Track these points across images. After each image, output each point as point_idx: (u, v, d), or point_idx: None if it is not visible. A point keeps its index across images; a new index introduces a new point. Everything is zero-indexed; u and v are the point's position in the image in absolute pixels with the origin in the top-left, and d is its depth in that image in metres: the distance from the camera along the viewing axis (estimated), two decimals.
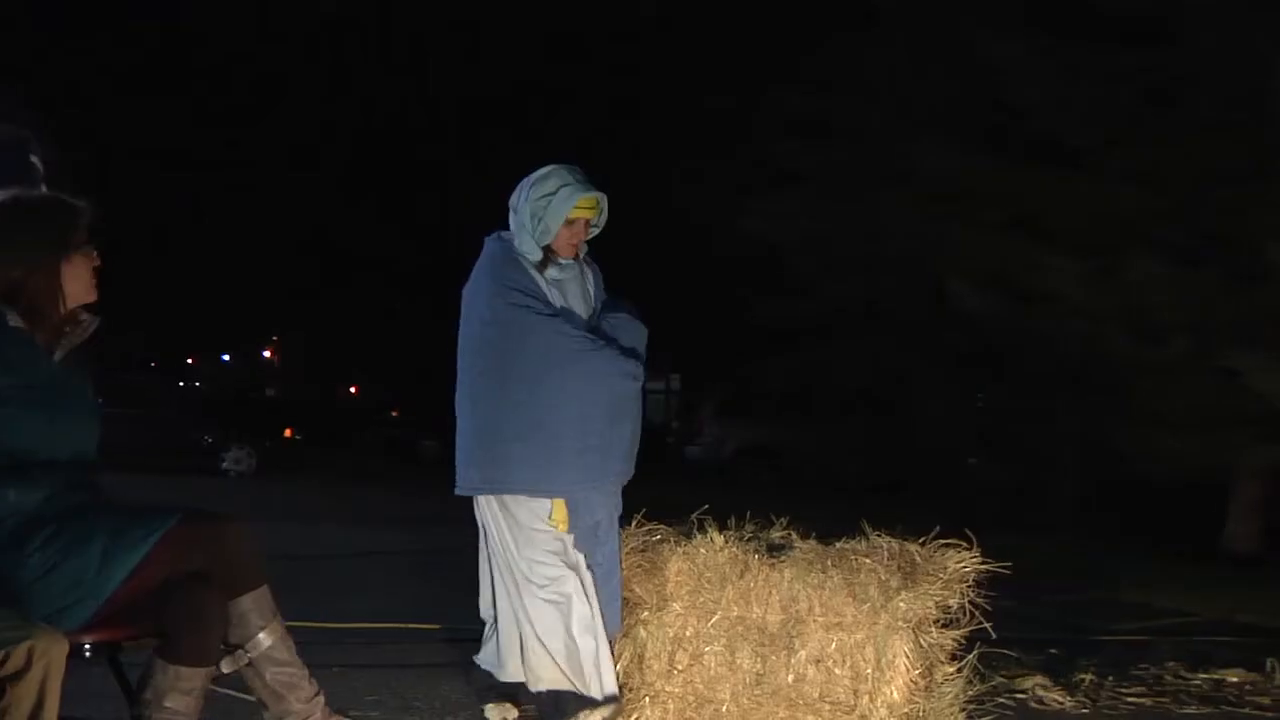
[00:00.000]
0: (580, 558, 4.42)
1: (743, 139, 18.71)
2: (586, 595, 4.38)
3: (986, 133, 15.20)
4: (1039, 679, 6.01)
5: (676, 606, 4.62)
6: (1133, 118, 13.38)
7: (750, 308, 19.20)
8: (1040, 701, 5.77)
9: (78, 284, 3.46)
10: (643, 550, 4.74)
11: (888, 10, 16.14)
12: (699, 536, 4.71)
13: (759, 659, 4.52)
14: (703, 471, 23.62)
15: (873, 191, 16.56)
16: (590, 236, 4.52)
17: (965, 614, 4.43)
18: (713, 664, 4.57)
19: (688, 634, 4.60)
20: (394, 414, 29.93)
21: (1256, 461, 14.08)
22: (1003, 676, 5.73)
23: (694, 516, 4.84)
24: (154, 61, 28.74)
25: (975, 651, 4.54)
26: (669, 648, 4.61)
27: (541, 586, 4.37)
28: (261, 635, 3.59)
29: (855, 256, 17.10)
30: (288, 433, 30.21)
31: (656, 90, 26.14)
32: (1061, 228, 14.11)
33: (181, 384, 33.11)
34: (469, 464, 4.45)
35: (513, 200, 4.45)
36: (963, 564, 4.44)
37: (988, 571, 4.43)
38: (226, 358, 48.07)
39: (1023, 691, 5.85)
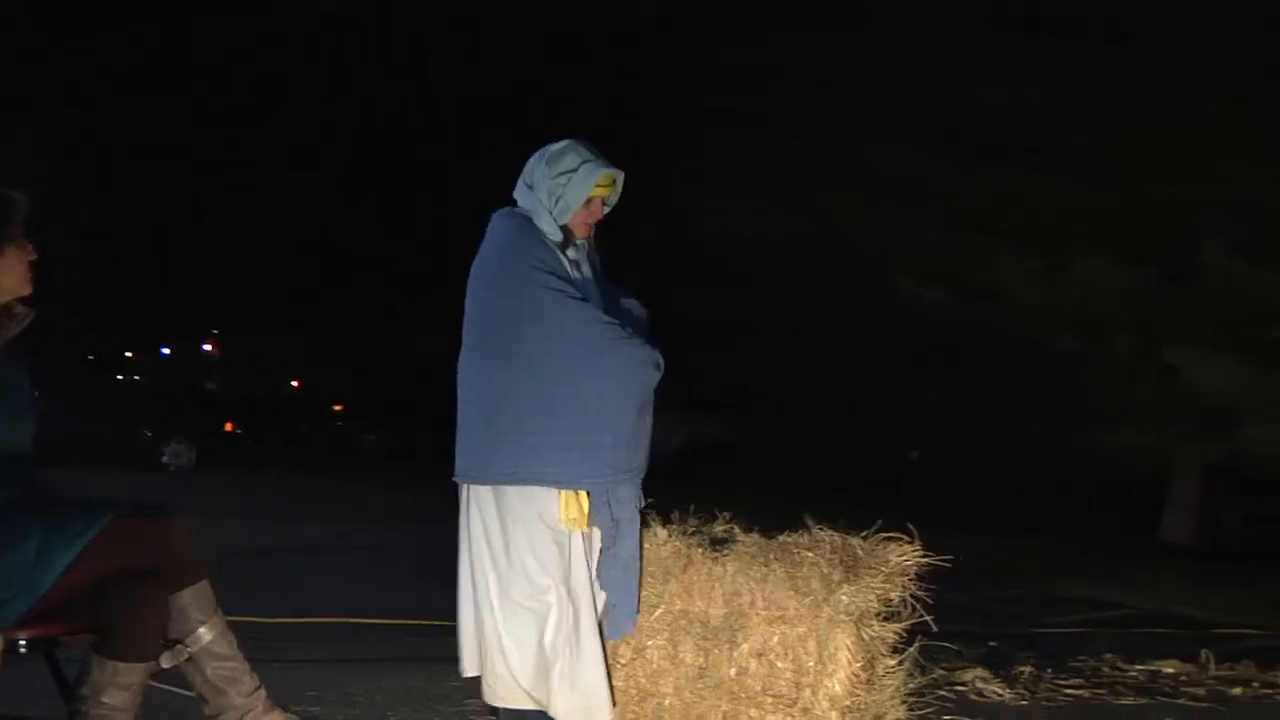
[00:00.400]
0: (577, 563, 4.20)
1: (693, 133, 18.79)
2: (574, 604, 4.18)
3: (936, 130, 15.32)
4: (979, 671, 6.06)
5: None
6: (1081, 118, 13.53)
7: (695, 302, 19.22)
8: (980, 694, 5.82)
9: (12, 277, 3.41)
10: None
11: (844, 8, 16.23)
12: (641, 530, 4.71)
13: (701, 652, 4.52)
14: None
15: (824, 187, 16.67)
16: (603, 215, 4.33)
17: (907, 607, 4.45)
18: (655, 658, 4.57)
19: None
20: (337, 408, 29.74)
21: (1194, 456, 14.28)
22: (943, 669, 5.77)
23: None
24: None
25: (916, 644, 4.57)
26: (612, 642, 4.60)
27: (523, 593, 4.15)
28: (202, 630, 3.57)
29: (805, 252, 17.16)
30: (228, 427, 29.93)
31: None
32: (1009, 226, 14.24)
33: (120, 378, 32.71)
34: (475, 452, 4.20)
35: (525, 176, 4.24)
36: (904, 557, 4.46)
37: (929, 565, 4.45)
38: (166, 352, 47.66)
39: (963, 684, 5.90)
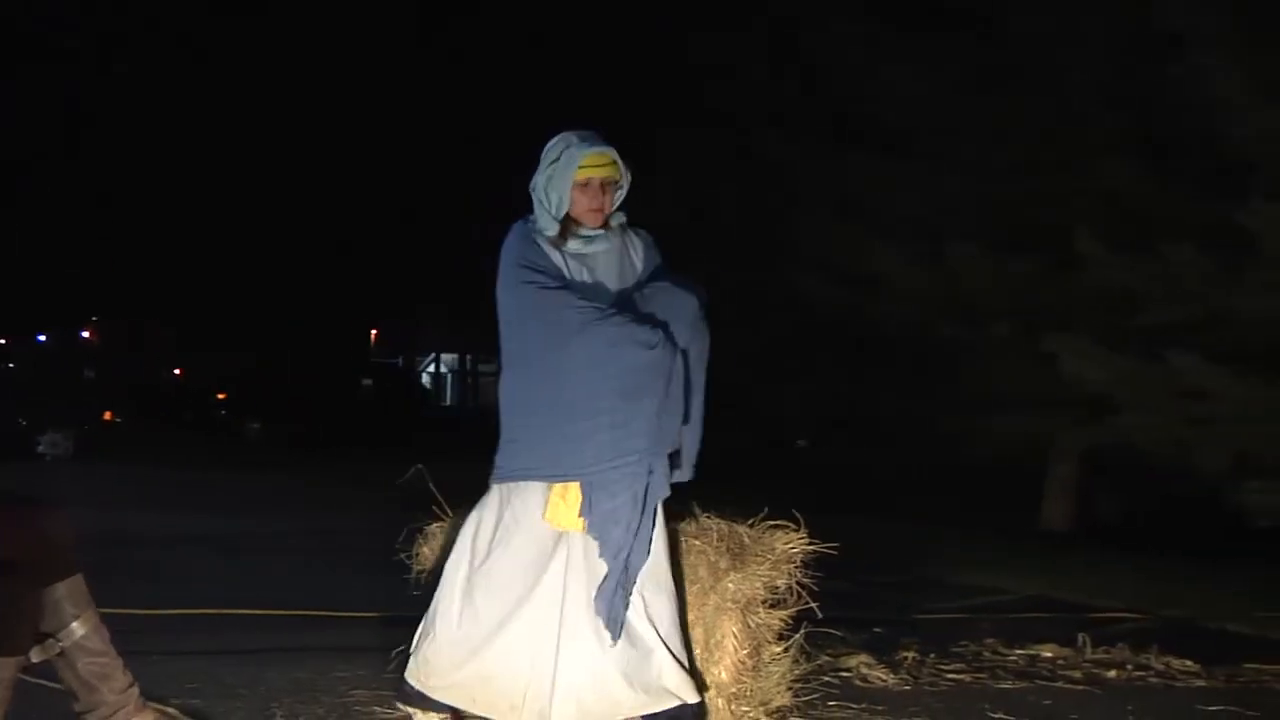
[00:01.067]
0: (553, 566, 4.11)
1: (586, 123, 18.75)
2: (560, 608, 4.08)
3: (816, 118, 15.45)
4: (863, 658, 6.13)
5: None
6: (954, 106, 13.72)
7: None
8: (864, 679, 5.88)
9: None
10: None
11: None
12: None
13: None
14: None
15: (710, 177, 16.72)
16: (618, 199, 4.26)
17: (793, 594, 4.48)
18: None
19: None
20: (220, 396, 29.27)
21: (1071, 443, 14.54)
22: (828, 655, 5.82)
23: None
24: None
25: (802, 631, 4.60)
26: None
27: (492, 581, 4.13)
28: (74, 624, 3.49)
29: (690, 240, 17.20)
30: (107, 416, 29.35)
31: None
32: (887, 214, 14.42)
33: None
34: (497, 453, 4.21)
35: (531, 182, 4.24)
36: (790, 545, 4.49)
37: (815, 552, 4.48)
38: (43, 339, 46.59)
39: (848, 670, 5.96)
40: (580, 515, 4.06)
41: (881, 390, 15.25)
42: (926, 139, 14.06)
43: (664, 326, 4.07)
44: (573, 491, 4.07)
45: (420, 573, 4.70)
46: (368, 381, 28.83)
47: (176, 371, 43.10)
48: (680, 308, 4.16)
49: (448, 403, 51.36)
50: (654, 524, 4.11)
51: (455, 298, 38.36)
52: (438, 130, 29.56)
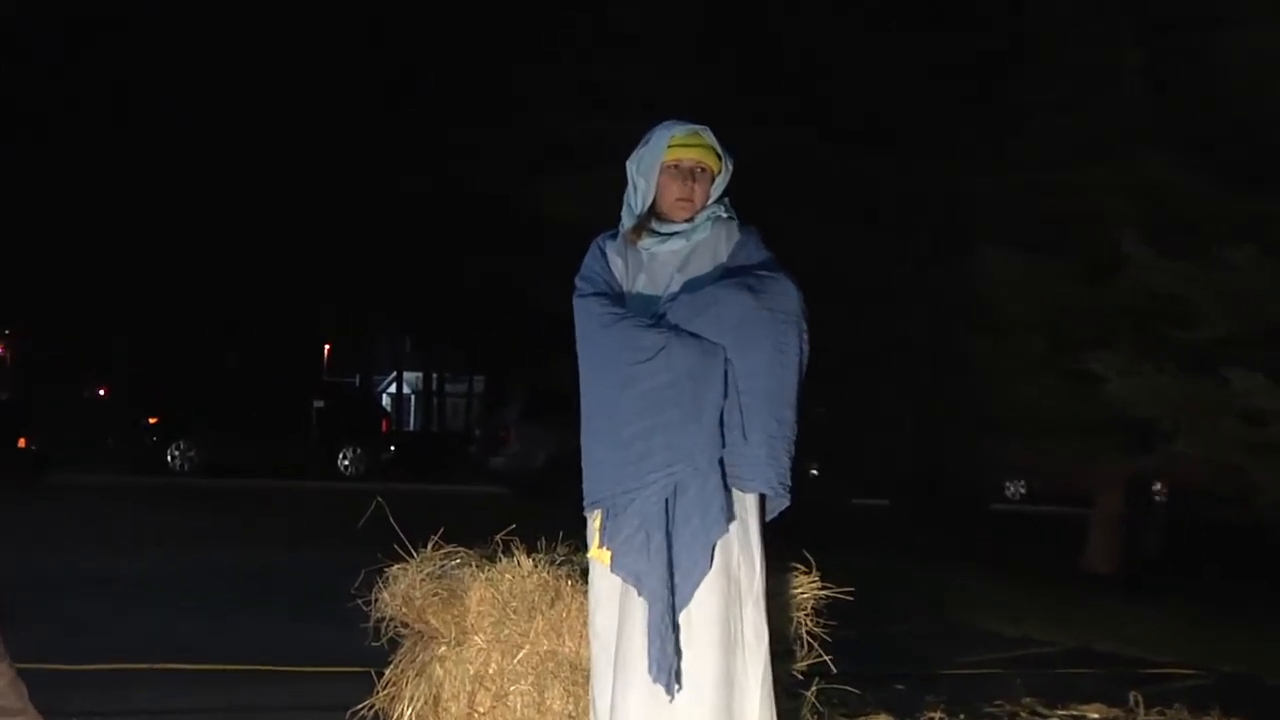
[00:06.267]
0: (600, 610, 4.05)
1: (521, 109, 18.90)
2: (597, 656, 4.05)
3: (806, 110, 15.45)
4: (884, 718, 6.11)
5: (478, 640, 4.57)
6: (963, 94, 13.73)
7: (533, 295, 19.22)
8: None
9: None
10: (439, 577, 4.68)
11: None
12: (504, 560, 4.67)
13: (571, 698, 4.50)
14: (510, 485, 23.59)
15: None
16: (716, 190, 4.17)
17: (804, 645, 4.47)
18: (519, 705, 4.54)
19: (490, 671, 4.56)
20: (151, 420, 29.16)
21: (1116, 473, 14.49)
22: (844, 715, 5.80)
23: (498, 537, 4.80)
24: None
25: (814, 687, 4.59)
26: (469, 687, 4.56)
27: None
28: None
29: None
30: (21, 442, 29.20)
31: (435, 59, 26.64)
32: (896, 211, 14.38)
33: None
34: None
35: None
36: (801, 590, 4.48)
37: (829, 597, 4.47)
38: None
39: None
40: (603, 545, 3.99)
41: (893, 415, 15.24)
42: (933, 131, 14.04)
43: (687, 330, 3.95)
44: (598, 521, 4.02)
45: (381, 621, 4.68)
46: (320, 403, 28.73)
47: (101, 392, 42.96)
48: (726, 309, 4.00)
49: (411, 426, 51.33)
50: (706, 562, 3.90)
51: (418, 309, 38.52)
52: (393, 133, 30.28)
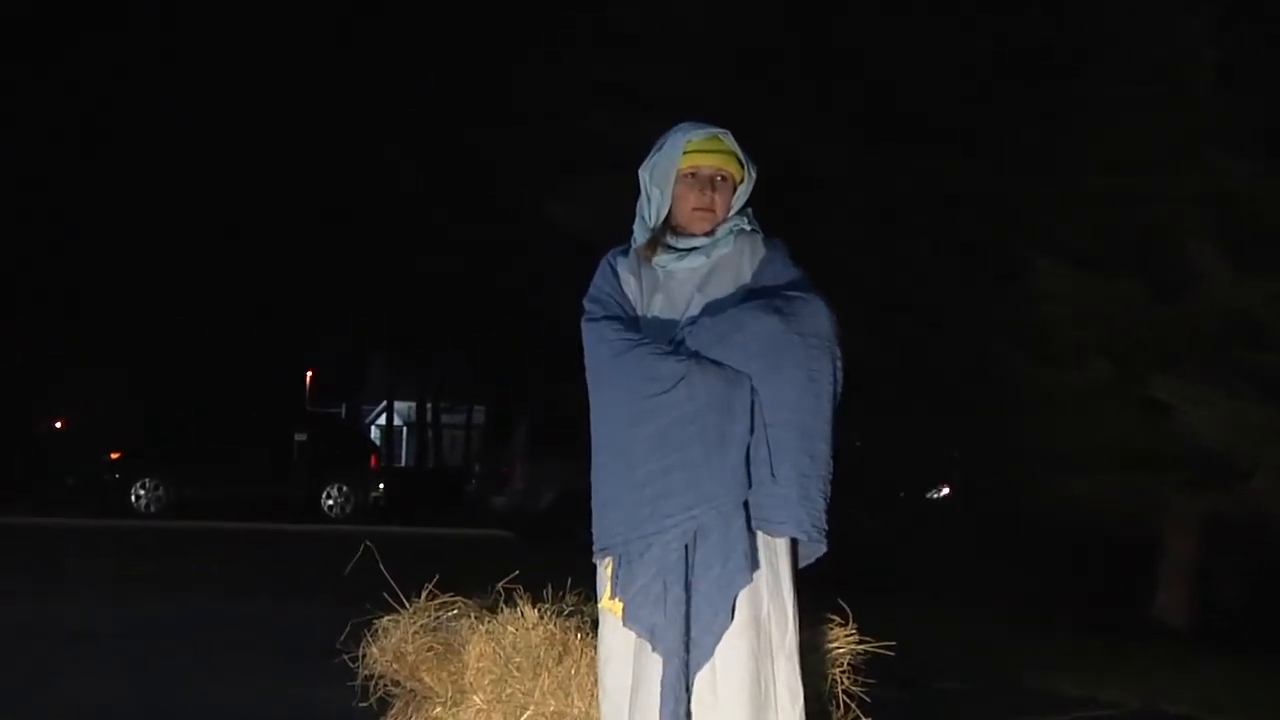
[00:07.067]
0: (608, 669, 4.04)
1: (521, 110, 19.01)
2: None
3: (846, 110, 15.47)
4: None
5: (477, 700, 4.57)
6: (1015, 93, 13.72)
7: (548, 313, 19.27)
8: None
9: None
10: (434, 630, 4.68)
11: None
12: (506, 611, 4.67)
13: None
14: (513, 528, 23.57)
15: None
16: (739, 201, 4.17)
17: (839, 705, 4.46)
18: None
19: None
20: (114, 456, 29.20)
21: (1188, 513, 14.43)
22: None
23: (500, 586, 4.80)
24: None
25: None
26: None
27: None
28: None
29: None
30: None
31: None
32: (935, 218, 14.35)
33: None
34: None
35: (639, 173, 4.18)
36: (837, 644, 4.47)
37: (867, 652, 4.47)
38: None
39: None
40: (615, 596, 3.96)
41: (939, 448, 15.21)
42: (981, 130, 14.03)
43: (709, 358, 3.92)
44: (610, 569, 4.01)
45: (369, 678, 4.69)
46: (301, 436, 28.76)
47: (57, 424, 43.06)
48: (753, 333, 3.97)
49: (403, 462, 51.33)
50: (727, 614, 3.87)
51: (411, 329, 38.54)
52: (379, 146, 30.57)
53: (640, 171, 4.15)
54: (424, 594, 4.75)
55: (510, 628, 4.60)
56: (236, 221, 32.52)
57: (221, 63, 31.86)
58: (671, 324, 4.04)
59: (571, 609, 4.79)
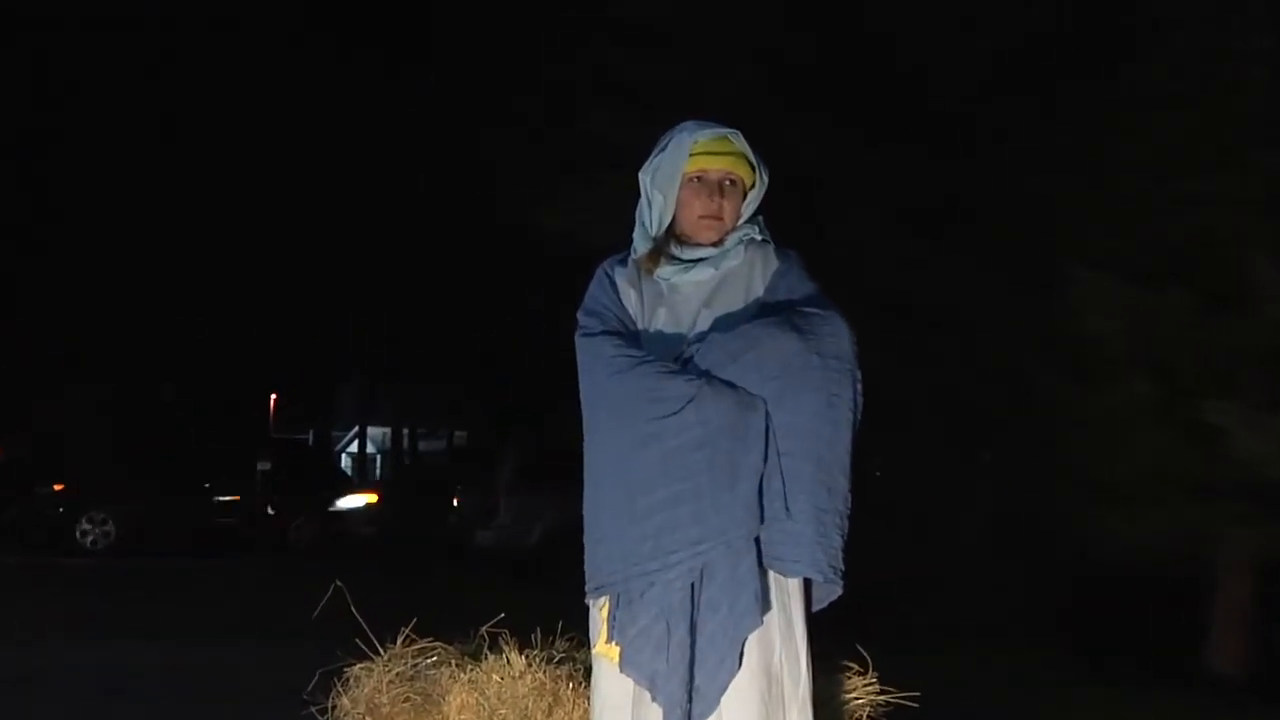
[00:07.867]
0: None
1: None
2: None
3: (864, 104, 15.51)
4: None
5: None
6: (1050, 89, 13.76)
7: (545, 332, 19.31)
8: None
9: None
10: (412, 678, 4.69)
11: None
12: (490, 658, 4.67)
13: None
14: (498, 565, 23.53)
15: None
16: (749, 208, 4.15)
17: None
18: None
19: None
20: (56, 488, 29.17)
21: (1245, 550, 14.41)
22: None
23: (484, 630, 4.81)
24: None
25: None
26: None
27: None
28: None
29: None
30: None
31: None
32: (961, 224, 14.38)
33: None
34: None
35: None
36: (855, 694, 4.48)
37: (889, 703, 4.48)
38: None
39: None
40: (611, 640, 3.93)
41: (965, 475, 15.22)
42: (1011, 127, 14.07)
43: (721, 379, 3.90)
44: (606, 610, 3.98)
45: None
46: (265, 465, 28.74)
47: None
48: (768, 353, 3.93)
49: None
50: (734, 660, 3.84)
51: (386, 345, 38.58)
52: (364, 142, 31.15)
53: (641, 174, 4.12)
54: (400, 638, 4.75)
55: (495, 676, 4.61)
56: (204, 230, 32.68)
57: (191, 89, 32.64)
58: (677, 340, 4.01)
59: (562, 655, 4.80)
